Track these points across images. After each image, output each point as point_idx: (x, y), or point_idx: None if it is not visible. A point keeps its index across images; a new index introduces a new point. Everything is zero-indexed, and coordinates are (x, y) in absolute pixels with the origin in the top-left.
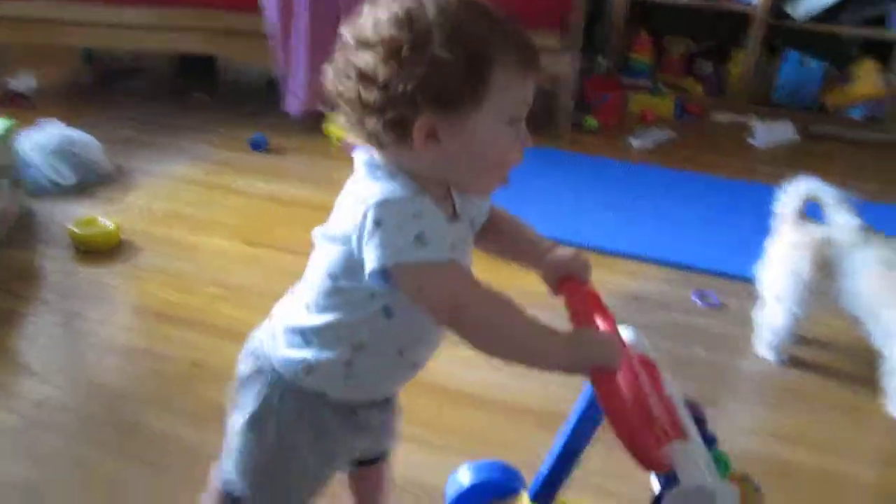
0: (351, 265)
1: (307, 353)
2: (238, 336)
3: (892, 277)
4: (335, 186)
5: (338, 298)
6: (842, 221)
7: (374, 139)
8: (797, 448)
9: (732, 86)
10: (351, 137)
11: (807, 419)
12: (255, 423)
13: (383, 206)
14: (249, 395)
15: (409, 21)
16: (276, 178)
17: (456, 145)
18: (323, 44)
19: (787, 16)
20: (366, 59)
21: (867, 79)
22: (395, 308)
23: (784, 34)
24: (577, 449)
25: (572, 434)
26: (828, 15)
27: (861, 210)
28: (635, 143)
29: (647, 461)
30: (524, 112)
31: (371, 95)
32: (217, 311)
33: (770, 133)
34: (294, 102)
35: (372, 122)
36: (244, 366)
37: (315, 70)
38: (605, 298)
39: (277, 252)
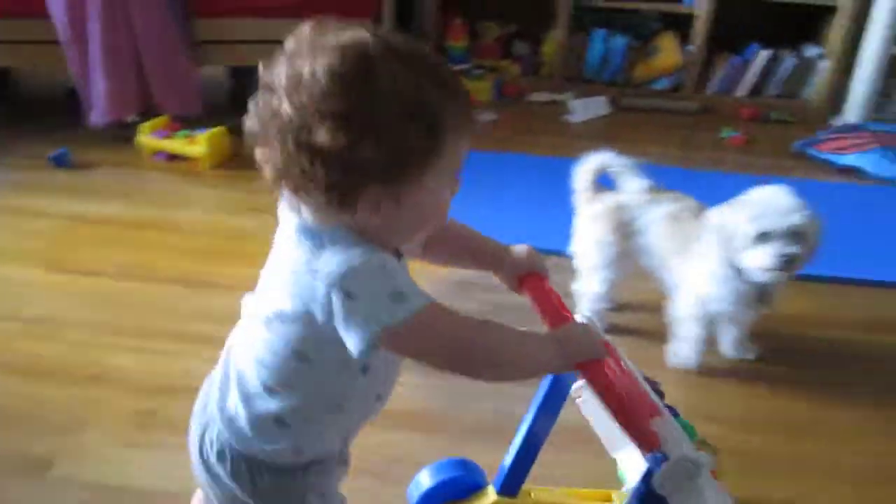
0: (319, 342)
1: (288, 438)
2: (39, 373)
3: (678, 229)
4: (148, 200)
5: (310, 374)
6: (631, 186)
7: (309, 202)
8: None
9: (547, 65)
10: (275, 190)
11: None
12: None
13: (347, 277)
14: None
15: (359, 85)
16: (83, 196)
17: (399, 212)
18: (118, 49)
19: None
20: (307, 125)
21: (668, 51)
22: (371, 363)
23: (590, 13)
24: (538, 439)
25: (533, 425)
26: None
27: (655, 173)
28: None
29: (646, 440)
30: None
31: (314, 167)
32: (14, 347)
33: (585, 109)
34: (96, 113)
35: (312, 191)
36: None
37: (113, 77)
38: (428, 286)
39: (85, 277)
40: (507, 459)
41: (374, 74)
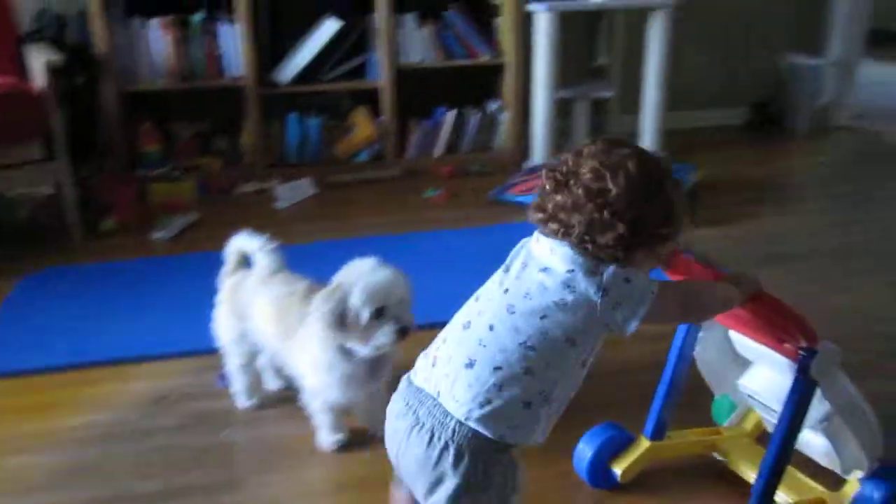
0: (587, 327)
1: (530, 419)
2: None
3: (282, 315)
4: None
5: (569, 357)
6: (258, 267)
7: (600, 245)
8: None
9: (249, 156)
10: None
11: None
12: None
13: (624, 270)
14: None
15: (656, 185)
16: None
17: (649, 259)
18: None
19: (276, 83)
20: (622, 201)
21: (363, 125)
22: (588, 361)
23: (280, 99)
24: (677, 388)
25: (672, 376)
26: (311, 75)
27: (366, 244)
28: (159, 234)
29: (812, 336)
30: None
31: (616, 228)
32: None
33: (291, 193)
34: None
35: (608, 241)
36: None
37: None
38: (125, 409)
39: None
40: (653, 412)
41: (665, 181)
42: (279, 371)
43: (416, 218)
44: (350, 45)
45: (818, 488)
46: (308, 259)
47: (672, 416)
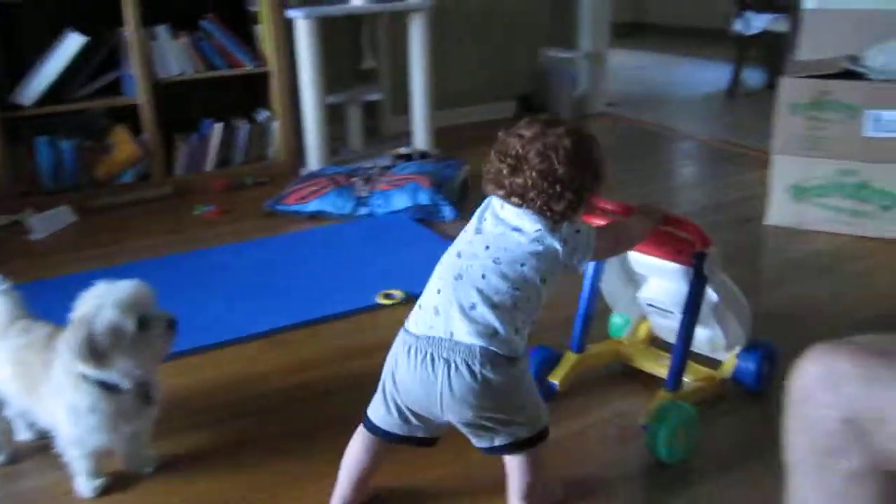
0: (553, 269)
1: (522, 338)
2: None
3: (24, 368)
4: None
5: (543, 292)
6: None
7: (555, 210)
8: None
9: None
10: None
11: None
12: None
13: (573, 225)
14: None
15: (589, 153)
16: None
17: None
18: None
19: (19, 105)
20: (568, 174)
21: (123, 144)
22: (547, 296)
23: (27, 121)
24: (592, 308)
25: (589, 297)
26: (60, 94)
27: (142, 268)
28: None
29: (706, 240)
30: None
31: (566, 194)
32: None
33: (47, 223)
34: None
35: (560, 206)
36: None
37: None
38: None
39: None
40: (575, 330)
41: (592, 148)
42: (30, 423)
43: (188, 237)
44: (100, 61)
45: (706, 369)
46: (73, 292)
47: (590, 330)
